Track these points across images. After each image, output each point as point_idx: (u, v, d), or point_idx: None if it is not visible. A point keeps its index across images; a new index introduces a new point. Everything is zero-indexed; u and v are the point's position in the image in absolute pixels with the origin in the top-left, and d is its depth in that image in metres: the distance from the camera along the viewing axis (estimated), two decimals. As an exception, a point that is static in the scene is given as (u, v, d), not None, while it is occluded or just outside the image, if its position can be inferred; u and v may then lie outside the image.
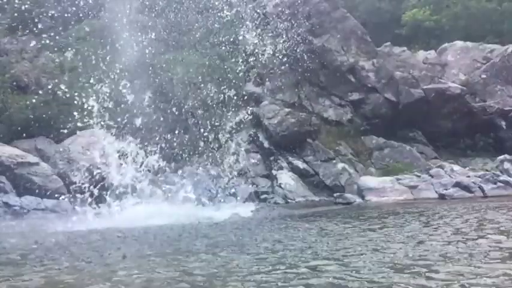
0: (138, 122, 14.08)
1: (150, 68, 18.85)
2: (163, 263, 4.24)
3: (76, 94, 15.30)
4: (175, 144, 17.52)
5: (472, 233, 5.17)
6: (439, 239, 4.87)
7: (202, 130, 17.80)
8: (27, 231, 7.67)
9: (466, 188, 11.72)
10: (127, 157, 12.24)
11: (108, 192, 11.66)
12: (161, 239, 6.16)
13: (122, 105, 15.22)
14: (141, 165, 12.21)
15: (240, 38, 18.08)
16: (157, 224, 7.96)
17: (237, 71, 18.15)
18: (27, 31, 18.05)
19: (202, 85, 18.65)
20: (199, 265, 4.06)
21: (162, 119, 17.13)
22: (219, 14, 19.82)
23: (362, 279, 3.22)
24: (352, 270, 3.50)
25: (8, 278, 3.79)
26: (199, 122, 17.99)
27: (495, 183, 11.75)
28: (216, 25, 20.03)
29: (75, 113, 14.55)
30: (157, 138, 15.21)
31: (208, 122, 17.93)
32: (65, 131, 14.93)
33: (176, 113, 18.42)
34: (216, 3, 20.39)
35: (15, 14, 18.58)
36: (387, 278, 3.20)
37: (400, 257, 3.96)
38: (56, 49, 18.54)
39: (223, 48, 19.55)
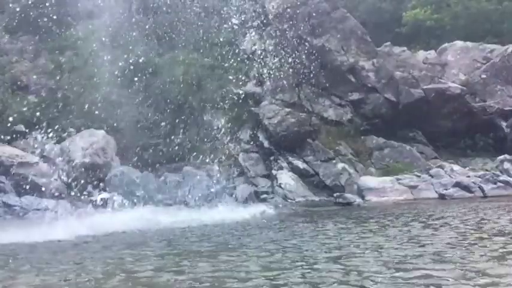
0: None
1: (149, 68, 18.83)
2: (159, 265, 4.24)
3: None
4: (175, 144, 17.52)
5: (470, 235, 5.16)
6: (437, 240, 4.86)
7: (202, 130, 17.79)
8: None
9: (466, 188, 11.71)
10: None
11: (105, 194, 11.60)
12: (160, 240, 6.16)
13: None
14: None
15: (241, 37, 18.07)
16: (158, 226, 7.90)
17: (237, 71, 18.12)
18: (27, 31, 18.05)
19: (202, 85, 18.63)
20: (191, 267, 4.05)
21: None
22: (219, 13, 19.80)
23: (360, 281, 3.22)
24: (350, 272, 3.50)
25: None
26: (199, 121, 17.98)
27: (495, 183, 11.74)
28: (216, 25, 20.02)
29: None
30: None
31: (208, 121, 17.92)
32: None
33: (176, 112, 18.41)
34: (217, 3, 20.39)
35: (15, 15, 18.56)
36: (385, 279, 3.20)
37: (398, 258, 3.96)
38: (56, 48, 18.57)
39: (223, 48, 19.49)
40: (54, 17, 18.56)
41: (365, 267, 3.66)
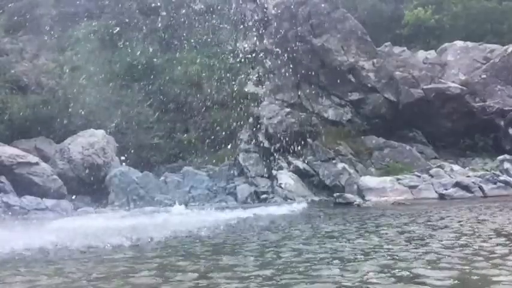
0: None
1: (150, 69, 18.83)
2: (154, 267, 4.24)
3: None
4: (175, 144, 17.54)
5: (469, 236, 5.16)
6: (436, 241, 4.87)
7: (202, 130, 17.80)
8: None
9: (466, 188, 11.69)
10: None
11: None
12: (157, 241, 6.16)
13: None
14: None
15: (241, 38, 18.08)
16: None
17: (237, 71, 18.12)
18: (27, 31, 18.09)
19: (201, 85, 18.64)
20: (187, 268, 4.06)
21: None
22: (220, 13, 19.81)
23: (358, 283, 3.22)
24: (349, 273, 3.50)
25: None
26: (199, 121, 18.00)
27: (495, 183, 11.73)
28: (216, 25, 20.04)
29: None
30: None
31: (208, 121, 17.94)
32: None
33: (176, 112, 18.44)
34: (217, 3, 20.40)
35: (16, 15, 18.59)
36: (384, 283, 3.20)
37: (398, 260, 3.97)
38: (57, 48, 18.61)
39: (224, 47, 19.50)
40: (54, 17, 18.62)
41: (362, 270, 3.65)
